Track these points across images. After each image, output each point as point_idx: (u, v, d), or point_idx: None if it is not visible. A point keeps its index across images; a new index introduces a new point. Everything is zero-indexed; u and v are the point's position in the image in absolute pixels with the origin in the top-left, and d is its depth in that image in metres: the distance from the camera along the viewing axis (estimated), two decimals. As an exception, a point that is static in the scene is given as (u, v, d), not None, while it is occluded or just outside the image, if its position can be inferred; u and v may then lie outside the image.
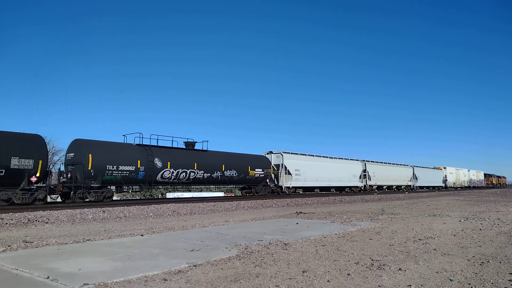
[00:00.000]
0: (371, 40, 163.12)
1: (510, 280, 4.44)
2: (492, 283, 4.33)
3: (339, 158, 39.20)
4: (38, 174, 17.28)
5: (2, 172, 16.20)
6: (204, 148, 24.98)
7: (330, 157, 37.97)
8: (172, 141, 23.46)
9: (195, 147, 24.61)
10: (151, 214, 14.70)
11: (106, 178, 19.46)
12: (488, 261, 5.45)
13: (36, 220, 12.09)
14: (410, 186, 50.32)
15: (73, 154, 19.55)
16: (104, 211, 14.46)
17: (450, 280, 4.44)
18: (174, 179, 22.65)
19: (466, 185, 67.48)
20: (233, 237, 7.68)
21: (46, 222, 11.91)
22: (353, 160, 41.14)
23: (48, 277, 4.41)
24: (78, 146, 19.58)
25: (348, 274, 4.64)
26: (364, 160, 42.24)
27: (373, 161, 44.12)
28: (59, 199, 20.72)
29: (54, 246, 6.80)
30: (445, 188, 58.71)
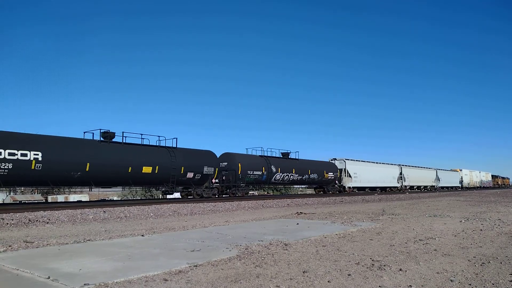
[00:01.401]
0: (370, 41, 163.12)
1: (511, 281, 4.44)
2: (493, 284, 4.32)
3: (382, 163, 46.69)
4: (215, 177, 25.64)
5: (199, 176, 24.28)
6: (296, 157, 33.41)
7: (376, 162, 45.78)
8: (271, 150, 31.81)
9: (289, 156, 32.91)
10: (151, 214, 14.71)
11: (247, 180, 28.24)
12: (489, 262, 5.45)
13: (36, 220, 12.11)
14: (434, 186, 57.27)
15: (226, 163, 27.48)
16: (104, 211, 14.47)
17: (451, 280, 4.44)
18: (281, 180, 31.15)
19: (478, 185, 74.09)
20: (233, 237, 7.68)
21: (47, 222, 11.92)
22: (392, 164, 48.24)
23: (48, 277, 4.41)
24: (229, 157, 27.84)
25: (349, 275, 4.64)
26: (400, 164, 49.29)
27: (407, 165, 51.24)
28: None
29: (54, 246, 6.81)
30: (461, 188, 65.05)
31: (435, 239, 7.55)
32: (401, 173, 48.45)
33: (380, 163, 46.50)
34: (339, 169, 37.85)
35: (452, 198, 28.57)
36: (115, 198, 37.99)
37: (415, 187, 52.81)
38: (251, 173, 27.97)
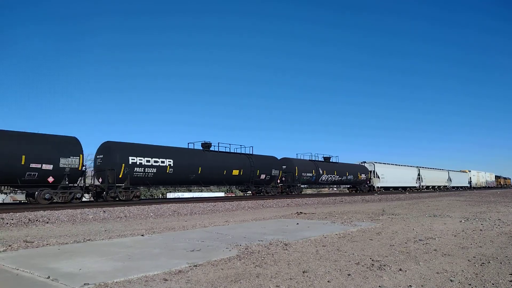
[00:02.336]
0: (370, 41, 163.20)
1: (510, 281, 4.44)
2: (493, 284, 4.32)
3: (403, 165, 51.65)
4: (279, 178, 31.41)
5: (269, 177, 29.87)
6: (335, 161, 38.82)
7: (399, 165, 50.85)
8: (317, 155, 37.30)
9: (330, 160, 38.45)
10: (151, 214, 14.71)
11: (302, 180, 33.19)
12: (489, 262, 5.45)
13: (36, 220, 12.11)
14: (446, 186, 61.61)
15: (285, 166, 32.08)
16: (104, 211, 14.47)
17: (451, 280, 4.44)
18: (326, 181, 36.78)
19: (484, 185, 78.81)
20: (233, 237, 7.68)
21: (47, 222, 11.92)
22: (412, 166, 53.19)
23: (48, 277, 4.41)
24: (287, 161, 32.63)
25: (349, 275, 4.64)
26: (418, 167, 54.16)
27: (423, 167, 55.89)
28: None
29: (54, 246, 6.81)
30: (470, 188, 69.33)
31: (435, 239, 7.55)
32: (419, 174, 53.34)
33: (401, 165, 51.45)
34: (369, 171, 43.06)
35: (452, 198, 28.57)
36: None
37: (430, 187, 57.32)
38: (305, 175, 33.24)
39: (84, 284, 4.11)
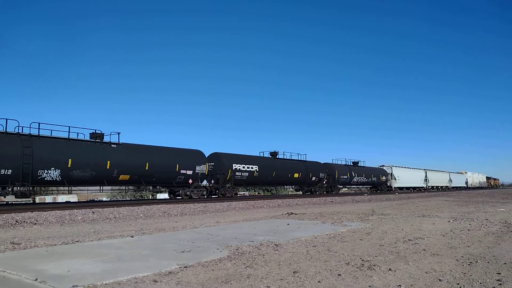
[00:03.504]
0: (369, 41, 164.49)
1: (498, 280, 4.50)
2: (481, 283, 4.38)
3: (414, 168, 57.42)
4: (325, 179, 36.43)
5: (318, 179, 34.59)
6: (363, 165, 44.25)
7: (410, 168, 56.63)
8: (348, 160, 42.93)
9: (358, 164, 43.74)
10: (141, 215, 14.59)
11: (340, 182, 39.55)
12: (477, 261, 5.52)
13: (24, 221, 11.93)
14: (447, 186, 67.17)
15: (327, 169, 37.27)
16: (93, 212, 14.32)
17: (439, 280, 4.49)
18: (356, 182, 42.77)
19: (477, 185, 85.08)
20: (224, 238, 7.66)
21: (35, 223, 11.75)
22: (420, 169, 59.16)
23: (36, 279, 4.35)
24: (328, 166, 37.77)
25: (339, 275, 4.66)
26: (425, 169, 60.04)
27: (429, 169, 61.43)
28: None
29: (42, 247, 6.71)
30: (466, 188, 74.93)
31: (424, 239, 7.63)
32: (426, 176, 59.29)
33: (412, 168, 57.62)
34: (388, 173, 49.31)
35: (440, 198, 28.89)
36: (103, 199, 37.65)
37: (435, 187, 63.31)
38: (342, 177, 39.09)
39: (73, 286, 4.06)
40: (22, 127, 17.37)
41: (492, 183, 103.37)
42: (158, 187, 24.06)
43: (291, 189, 39.26)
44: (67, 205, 17.72)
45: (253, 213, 15.92)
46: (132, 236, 8.08)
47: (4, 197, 17.90)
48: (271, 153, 32.06)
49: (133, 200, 31.82)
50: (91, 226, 11.07)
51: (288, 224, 10.37)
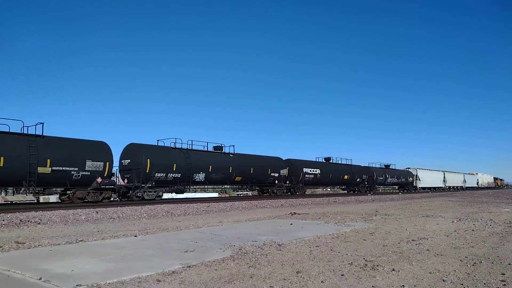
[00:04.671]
0: (369, 41, 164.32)
1: (502, 281, 4.48)
2: (485, 284, 4.36)
3: (434, 170, 62.59)
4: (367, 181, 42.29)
5: (361, 179, 39.78)
6: (394, 168, 50.98)
7: (431, 169, 61.88)
8: (381, 163, 49.73)
9: (390, 167, 50.17)
10: (144, 215, 14.63)
11: (377, 182, 44.90)
12: (481, 262, 5.49)
13: (28, 221, 11.99)
14: (462, 186, 72.08)
15: (368, 171, 43.13)
16: (97, 212, 14.37)
17: (443, 280, 4.47)
18: (389, 182, 47.92)
19: (486, 186, 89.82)
20: (227, 238, 7.67)
21: (39, 223, 11.81)
22: (439, 171, 64.14)
23: (40, 278, 4.37)
24: (368, 169, 43.79)
25: (342, 275, 4.65)
26: (443, 171, 65.31)
27: (447, 171, 67.28)
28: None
29: (46, 247, 6.75)
30: (477, 188, 79.57)
31: (427, 239, 7.60)
32: (444, 177, 64.25)
33: (433, 170, 62.64)
34: (413, 175, 54.49)
35: (444, 199, 28.78)
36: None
37: (451, 187, 68.20)
38: (379, 178, 45.28)
39: (77, 285, 4.08)
40: (184, 143, 24.73)
41: (498, 184, 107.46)
42: (254, 186, 31.06)
43: (339, 189, 44.22)
44: (71, 205, 17.79)
45: (256, 213, 15.92)
46: (135, 236, 8.10)
47: (170, 192, 24.25)
48: (325, 158, 38.70)
49: (136, 200, 31.85)
50: (95, 226, 11.12)
51: (291, 224, 10.36)
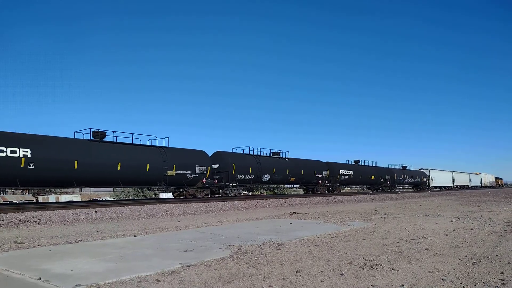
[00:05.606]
0: (369, 41, 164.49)
1: (501, 280, 4.48)
2: (484, 283, 4.37)
3: (444, 170, 67.10)
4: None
5: (385, 180, 45.61)
6: (410, 169, 55.55)
7: (442, 170, 66.29)
8: (400, 165, 54.38)
9: (406, 168, 54.80)
10: (144, 214, 14.63)
11: (397, 182, 50.14)
12: (480, 261, 5.50)
13: (27, 221, 11.98)
14: (468, 185, 76.06)
15: (390, 174, 48.83)
16: (96, 212, 14.37)
17: (442, 279, 4.48)
18: (406, 182, 53.50)
19: (488, 185, 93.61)
20: (226, 237, 7.67)
21: (38, 223, 11.80)
22: (448, 171, 68.58)
23: (39, 278, 4.37)
24: (390, 170, 49.25)
25: (342, 274, 4.65)
26: (452, 171, 69.67)
27: (455, 171, 71.64)
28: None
29: (45, 247, 6.74)
30: (481, 187, 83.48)
31: (427, 238, 7.61)
32: (453, 177, 68.61)
33: (443, 170, 66.98)
34: (426, 175, 59.07)
35: (443, 198, 28.80)
36: (107, 198, 37.74)
37: (459, 186, 72.33)
38: (399, 178, 50.51)
39: (76, 285, 4.07)
40: (257, 149, 30.35)
41: (499, 183, 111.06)
42: (302, 185, 35.80)
43: (365, 187, 49.79)
44: (70, 204, 17.79)
45: (256, 212, 15.93)
46: (135, 236, 8.10)
47: (245, 190, 29.55)
48: (354, 161, 43.88)
49: (136, 199, 31.90)
50: (94, 226, 11.11)
51: (291, 223, 10.36)
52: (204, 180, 24.87)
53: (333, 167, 38.34)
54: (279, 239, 7.35)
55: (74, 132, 20.04)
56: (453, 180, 68.60)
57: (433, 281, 4.42)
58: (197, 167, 24.41)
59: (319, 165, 36.52)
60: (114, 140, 21.02)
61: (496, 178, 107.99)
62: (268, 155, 31.37)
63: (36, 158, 16.80)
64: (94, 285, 4.10)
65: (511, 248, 6.61)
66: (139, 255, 5.76)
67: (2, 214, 12.96)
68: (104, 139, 20.61)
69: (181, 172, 23.20)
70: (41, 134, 18.14)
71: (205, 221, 11.64)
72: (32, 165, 16.70)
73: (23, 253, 6.18)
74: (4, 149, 16.08)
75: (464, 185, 75.07)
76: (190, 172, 24.09)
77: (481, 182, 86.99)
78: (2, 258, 5.69)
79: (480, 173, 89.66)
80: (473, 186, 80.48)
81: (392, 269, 4.94)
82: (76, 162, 18.20)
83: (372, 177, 44.76)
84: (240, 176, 27.44)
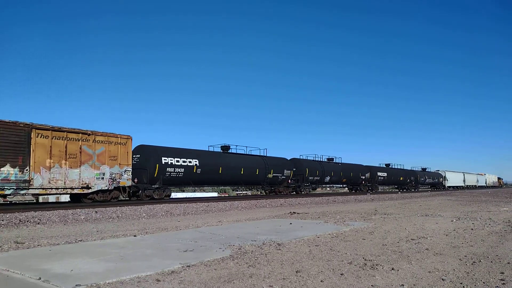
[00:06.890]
0: (369, 42, 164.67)
1: (501, 280, 4.49)
2: (484, 283, 4.37)
3: (456, 172, 73.63)
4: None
5: (411, 180, 55.78)
6: (429, 170, 62.21)
7: (454, 171, 73.05)
8: (420, 167, 62.26)
9: (426, 170, 61.57)
10: (144, 214, 14.63)
11: (420, 182, 58.39)
12: (480, 261, 5.50)
13: (27, 221, 11.98)
14: (475, 185, 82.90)
15: (415, 175, 56.73)
16: (96, 212, 14.36)
17: (442, 279, 4.48)
18: (425, 182, 60.00)
19: (492, 184, 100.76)
20: (226, 237, 7.67)
21: (38, 223, 11.80)
22: (460, 172, 75.52)
23: (39, 278, 4.37)
24: (414, 172, 56.33)
25: (342, 274, 4.65)
26: (463, 172, 77.27)
27: (466, 172, 79.12)
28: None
29: (46, 247, 6.74)
30: (486, 187, 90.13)
31: (427, 238, 7.61)
32: (464, 177, 75.39)
33: (456, 171, 73.56)
34: (442, 176, 66.06)
35: (443, 198, 28.81)
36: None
37: (468, 186, 78.37)
38: (421, 179, 57.11)
39: (76, 285, 4.08)
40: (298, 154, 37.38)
41: (501, 183, 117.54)
42: (349, 185, 43.17)
43: (394, 188, 55.83)
44: (70, 204, 17.79)
45: (256, 212, 15.93)
46: (135, 236, 8.10)
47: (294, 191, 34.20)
48: (385, 164, 51.48)
49: (135, 200, 31.81)
50: (94, 226, 11.11)
51: (291, 223, 10.36)
52: (290, 181, 32.97)
53: (373, 170, 45.54)
54: (279, 239, 7.35)
55: (208, 146, 28.59)
56: (464, 180, 75.44)
57: (433, 281, 4.42)
58: (285, 171, 32.46)
59: (362, 168, 44.09)
60: (235, 151, 29.55)
61: (499, 178, 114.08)
62: (324, 160, 39.38)
63: (201, 165, 24.68)
64: (94, 285, 4.10)
65: (511, 248, 6.61)
66: (139, 255, 5.76)
67: (2, 214, 12.96)
68: (229, 151, 28.98)
69: (275, 174, 31.50)
70: (196, 149, 26.22)
71: (205, 221, 11.64)
72: (199, 171, 24.56)
73: (23, 253, 6.18)
74: (187, 160, 24.14)
75: (472, 185, 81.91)
76: (280, 174, 32.32)
77: (486, 182, 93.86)
78: (2, 258, 5.69)
79: (485, 174, 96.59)
80: (480, 186, 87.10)
81: (392, 269, 4.94)
82: (220, 168, 26.34)
83: (401, 178, 51.76)
84: (310, 178, 35.54)
